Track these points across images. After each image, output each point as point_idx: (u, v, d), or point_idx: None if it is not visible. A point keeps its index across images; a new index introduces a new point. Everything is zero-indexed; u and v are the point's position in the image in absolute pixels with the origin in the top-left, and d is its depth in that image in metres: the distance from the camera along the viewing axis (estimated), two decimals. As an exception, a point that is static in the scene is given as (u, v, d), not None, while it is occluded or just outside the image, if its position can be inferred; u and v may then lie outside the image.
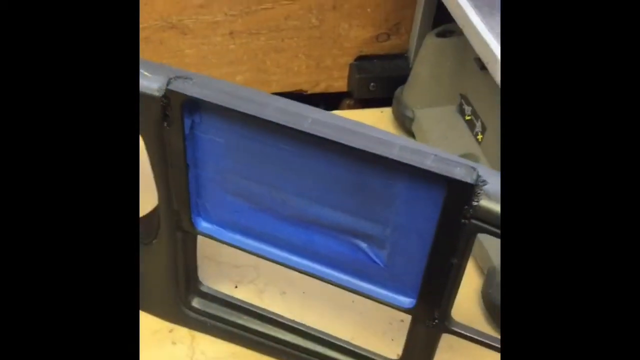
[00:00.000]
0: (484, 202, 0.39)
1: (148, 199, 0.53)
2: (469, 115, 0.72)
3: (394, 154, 0.40)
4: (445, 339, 0.58)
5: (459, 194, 0.39)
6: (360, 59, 0.86)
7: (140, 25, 0.76)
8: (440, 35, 0.75)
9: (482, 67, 0.67)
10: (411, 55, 0.84)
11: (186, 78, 0.44)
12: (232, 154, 0.46)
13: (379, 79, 0.85)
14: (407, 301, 0.48)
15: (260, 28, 0.80)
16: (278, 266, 0.65)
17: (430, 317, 0.47)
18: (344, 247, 0.48)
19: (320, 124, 0.41)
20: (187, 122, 0.45)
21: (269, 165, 0.45)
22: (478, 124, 0.70)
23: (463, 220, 0.40)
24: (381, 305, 0.62)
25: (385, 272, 0.47)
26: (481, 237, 0.63)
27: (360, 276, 0.49)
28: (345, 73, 0.86)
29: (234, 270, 0.64)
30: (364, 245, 0.47)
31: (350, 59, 0.85)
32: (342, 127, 0.41)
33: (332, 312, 0.61)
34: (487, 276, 0.61)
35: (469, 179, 0.39)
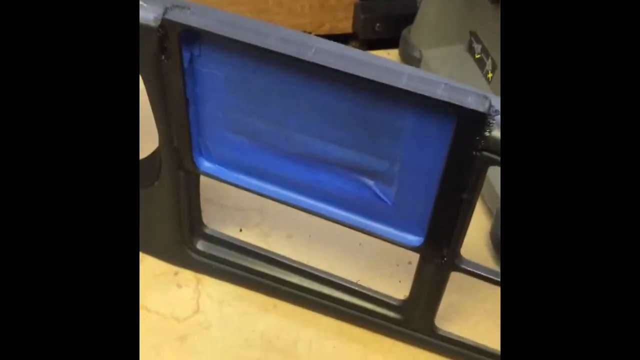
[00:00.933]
0: (496, 133, 0.38)
1: (149, 142, 0.52)
2: (478, 54, 0.70)
3: (402, 82, 0.38)
4: (454, 281, 0.57)
5: (470, 124, 0.38)
6: (366, -2, 0.83)
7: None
8: (449, -30, 0.72)
9: (494, 0, 0.65)
10: (418, -7, 0.81)
11: (184, 7, 0.42)
12: (233, 89, 0.44)
13: (384, 19, 0.83)
14: (415, 239, 0.47)
15: (261, -35, 0.77)
16: (283, 210, 0.63)
17: (439, 255, 0.46)
18: (351, 185, 0.46)
19: (325, 53, 0.39)
20: (186, 55, 0.43)
21: (271, 99, 0.44)
22: (488, 62, 0.68)
23: (474, 152, 0.39)
24: (388, 248, 0.61)
25: (392, 210, 0.46)
26: (490, 177, 0.62)
27: (368, 215, 0.47)
28: (350, 13, 0.84)
29: (239, 214, 0.63)
30: (370, 182, 0.45)
31: (355, -1, 0.83)
32: (348, 56, 0.39)
33: (339, 254, 0.60)
34: (495, 217, 0.60)
35: (481, 107, 0.37)
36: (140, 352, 0.52)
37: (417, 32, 0.76)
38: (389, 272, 0.59)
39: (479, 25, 0.70)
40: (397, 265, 0.60)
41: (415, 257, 0.49)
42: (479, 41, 0.70)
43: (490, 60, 0.68)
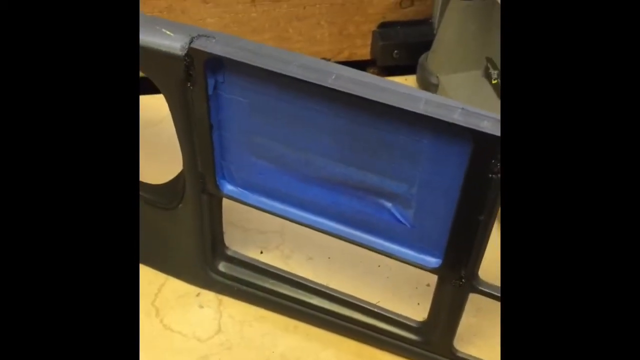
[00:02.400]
0: (512, 156, 0.39)
1: (174, 165, 0.53)
2: (495, 79, 0.71)
3: (419, 108, 0.39)
4: (473, 303, 0.57)
5: (486, 147, 0.39)
6: (384, 25, 0.84)
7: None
8: (466, -2, 0.74)
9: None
10: (435, 20, 0.83)
11: (209, 37, 0.44)
12: (255, 114, 0.46)
13: (402, 46, 0.84)
14: (433, 261, 0.47)
15: (283, -5, 0.79)
16: (304, 232, 0.65)
17: (457, 276, 0.47)
18: (370, 208, 0.47)
19: (344, 79, 0.41)
20: (211, 82, 0.45)
21: (292, 124, 0.45)
22: (505, 88, 0.69)
23: (490, 175, 0.40)
24: (407, 270, 0.61)
25: (411, 232, 0.47)
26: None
27: (386, 237, 0.48)
28: (368, 40, 0.85)
29: (260, 236, 0.64)
30: (389, 204, 0.46)
31: (373, 26, 0.84)
32: (367, 83, 0.41)
33: (358, 276, 0.61)
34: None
35: (496, 131, 0.38)
36: (163, 371, 0.53)
37: (434, 59, 0.78)
38: (407, 294, 0.60)
39: (495, 51, 0.71)
40: (416, 287, 0.61)
41: (433, 280, 0.50)
42: (495, 67, 0.71)
43: (506, 85, 0.69)
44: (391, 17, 0.84)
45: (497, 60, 0.71)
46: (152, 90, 0.78)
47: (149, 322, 0.57)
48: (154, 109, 0.77)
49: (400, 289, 0.60)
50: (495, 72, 0.71)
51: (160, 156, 0.58)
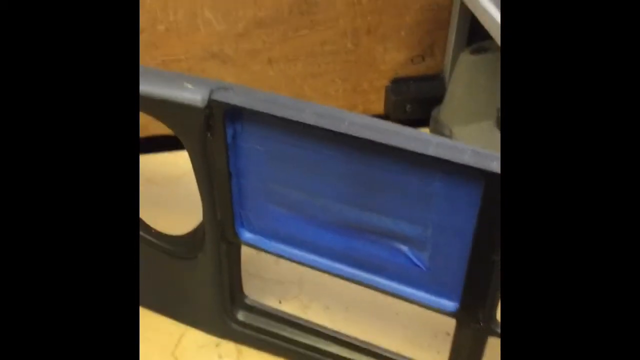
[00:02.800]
0: (523, 195, 0.40)
1: (193, 216, 0.55)
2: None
3: (430, 150, 0.40)
4: (493, 348, 0.57)
5: (496, 187, 0.40)
6: (396, 81, 0.87)
7: (183, 57, 0.80)
8: (475, 52, 0.76)
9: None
10: (446, 75, 0.85)
11: (227, 88, 0.46)
12: (272, 162, 0.48)
13: (415, 101, 0.87)
14: (450, 305, 0.48)
15: (298, 54, 0.82)
16: (322, 281, 0.65)
17: (475, 319, 0.47)
18: (385, 252, 0.48)
19: (357, 125, 0.42)
20: (230, 132, 0.47)
21: (308, 171, 0.47)
22: (516, 137, 0.70)
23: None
24: (426, 318, 0.61)
25: (427, 276, 0.47)
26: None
27: (403, 280, 0.49)
28: (382, 96, 0.88)
29: (278, 287, 0.65)
30: (405, 248, 0.47)
31: (386, 82, 0.87)
32: (379, 127, 0.42)
33: (376, 325, 0.61)
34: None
35: (506, 171, 0.39)
36: (183, 422, 0.53)
37: (447, 111, 0.79)
38: (427, 343, 0.60)
39: (506, 101, 0.73)
40: (436, 336, 0.60)
41: (452, 328, 0.50)
42: (506, 117, 0.72)
43: (518, 134, 0.70)
44: (403, 72, 0.87)
45: (508, 111, 0.72)
46: (173, 147, 0.81)
47: (169, 372, 0.57)
48: (174, 165, 0.80)
49: (419, 337, 0.60)
50: (507, 122, 0.72)
51: (180, 210, 0.60)
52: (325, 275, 0.66)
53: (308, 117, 0.43)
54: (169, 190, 0.75)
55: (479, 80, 0.76)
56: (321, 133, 0.43)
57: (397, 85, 0.87)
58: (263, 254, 0.68)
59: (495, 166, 0.39)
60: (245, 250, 0.57)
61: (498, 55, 0.74)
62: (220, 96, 0.45)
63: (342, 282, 0.64)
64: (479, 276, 0.44)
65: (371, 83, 0.87)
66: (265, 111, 0.44)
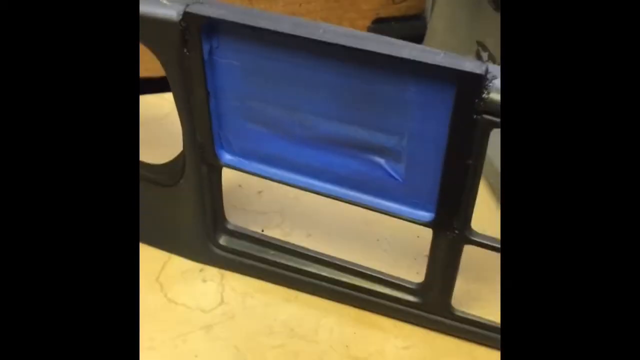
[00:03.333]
0: (494, 95, 0.40)
1: (175, 148, 0.55)
2: (486, 61, 0.73)
3: (404, 53, 0.41)
4: (472, 270, 0.58)
5: (469, 87, 0.40)
6: (378, 21, 0.87)
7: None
8: (454, -13, 0.76)
9: (496, 7, 0.68)
10: (427, 15, 0.85)
11: (202, 3, 0.46)
12: (249, 77, 0.48)
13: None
14: (426, 215, 0.49)
15: (278, -7, 0.82)
16: (304, 211, 0.66)
17: (451, 228, 0.48)
18: (363, 166, 0.49)
19: (333, 32, 0.43)
20: (206, 47, 0.47)
21: (285, 84, 0.47)
22: (495, 68, 0.71)
23: (475, 116, 0.41)
24: (406, 243, 0.63)
25: (404, 187, 0.48)
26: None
27: (380, 194, 0.50)
28: (363, 36, 0.88)
29: (260, 217, 0.66)
30: (381, 160, 0.48)
31: (367, 22, 0.87)
32: (354, 35, 0.43)
33: (357, 250, 0.62)
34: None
35: (478, 70, 0.40)
36: (168, 340, 0.54)
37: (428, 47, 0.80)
38: (406, 265, 0.61)
39: (485, 34, 0.73)
40: (415, 259, 0.61)
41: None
42: (485, 49, 0.73)
43: (497, 65, 0.71)
44: (385, 13, 0.87)
45: (487, 42, 0.73)
46: (154, 89, 0.81)
47: (153, 296, 0.58)
48: (157, 107, 0.80)
49: (399, 260, 0.61)
50: (486, 54, 0.73)
51: (163, 147, 0.60)
52: (308, 205, 0.67)
53: (284, 27, 0.43)
54: (151, 130, 0.76)
55: (459, 15, 0.76)
56: (297, 42, 0.44)
57: (379, 26, 0.87)
58: (246, 187, 0.69)
59: (467, 65, 0.40)
60: (227, 183, 0.58)
61: (477, -12, 0.74)
62: (195, 9, 0.45)
63: (324, 211, 0.66)
64: (453, 182, 0.45)
65: (352, 23, 0.86)
66: (241, 22, 0.44)
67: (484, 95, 0.40)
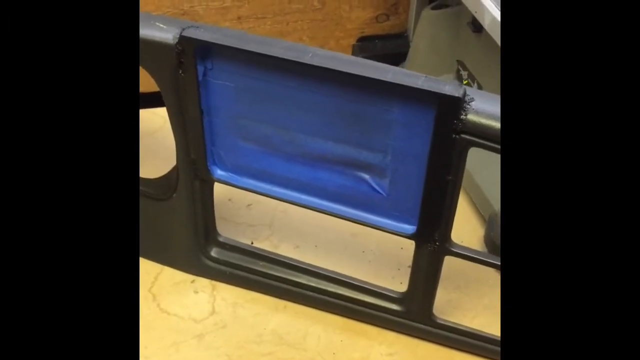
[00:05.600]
0: (472, 117, 0.43)
1: (167, 169, 0.58)
2: (465, 80, 0.76)
3: (388, 77, 0.44)
4: (452, 280, 0.61)
5: (448, 109, 0.43)
6: (362, 39, 0.90)
7: (154, 14, 0.82)
8: (436, 8, 0.80)
9: (475, 30, 0.72)
10: (410, 33, 0.89)
11: (198, 27, 0.49)
12: (242, 98, 0.50)
13: (380, 58, 0.87)
14: (409, 228, 0.51)
15: (266, 12, 0.85)
16: (292, 224, 0.69)
17: (432, 240, 0.50)
18: (349, 181, 0.51)
19: (320, 57, 0.46)
20: (200, 69, 0.49)
21: (275, 104, 0.50)
22: (474, 87, 0.74)
23: (454, 136, 0.44)
24: (390, 255, 0.65)
25: (387, 202, 0.51)
26: (481, 184, 0.67)
27: (365, 208, 0.52)
28: (349, 54, 0.91)
29: (250, 229, 0.68)
30: (366, 176, 0.51)
31: (352, 40, 0.90)
32: (340, 58, 0.45)
33: (343, 262, 0.64)
34: (488, 221, 0.65)
35: (456, 93, 0.43)
36: (161, 349, 0.56)
37: (410, 66, 0.83)
38: (390, 276, 0.63)
39: (465, 54, 0.76)
40: (399, 269, 0.64)
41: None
42: (465, 68, 0.76)
43: (476, 84, 0.74)
44: (369, 31, 0.90)
45: (467, 62, 0.76)
46: (145, 104, 0.83)
47: (147, 306, 0.60)
48: (149, 121, 0.82)
49: (384, 271, 0.64)
50: (465, 72, 0.76)
51: (155, 161, 0.62)
52: (296, 218, 0.70)
53: (275, 50, 0.46)
54: (144, 144, 0.78)
55: (440, 34, 0.80)
56: (287, 65, 0.46)
57: (364, 44, 0.90)
58: (235, 201, 0.71)
59: (447, 89, 0.43)
60: (218, 197, 0.60)
61: (458, 10, 0.77)
62: (190, 33, 0.48)
63: (311, 223, 0.68)
64: (434, 198, 0.48)
65: (338, 41, 0.89)
66: (234, 46, 0.47)
67: (462, 117, 0.43)
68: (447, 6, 0.80)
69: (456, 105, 0.43)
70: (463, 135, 0.44)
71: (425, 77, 0.44)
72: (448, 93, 0.43)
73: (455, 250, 0.51)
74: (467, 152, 0.45)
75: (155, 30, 0.49)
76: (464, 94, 0.43)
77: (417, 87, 0.43)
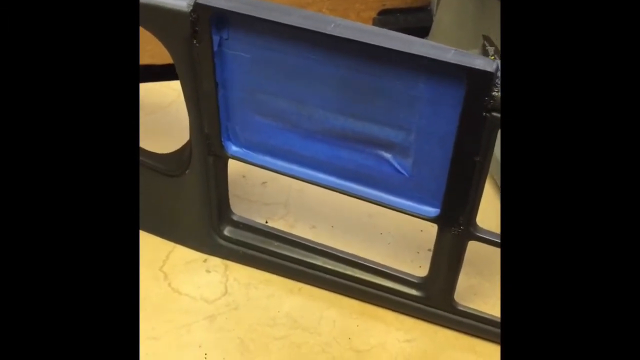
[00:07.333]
0: (505, 93, 0.40)
1: (179, 144, 0.55)
2: (492, 56, 0.73)
3: (414, 49, 0.41)
4: (474, 265, 0.59)
5: (479, 85, 0.40)
6: (384, 12, 0.87)
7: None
8: (462, -20, 0.76)
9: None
10: (434, 6, 0.85)
11: (213, -6, 0.46)
12: (258, 70, 0.48)
13: (402, 32, 0.86)
14: (432, 210, 0.49)
15: (285, -17, 0.81)
16: (308, 203, 0.66)
17: (456, 224, 0.48)
18: (370, 160, 0.49)
19: (343, 27, 0.43)
20: (216, 38, 0.47)
21: (294, 77, 0.47)
22: (501, 63, 0.71)
23: (484, 114, 0.41)
24: (409, 237, 0.63)
25: (410, 183, 0.49)
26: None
27: (386, 189, 0.50)
28: (369, 28, 0.88)
29: (264, 208, 0.66)
30: (388, 155, 0.48)
31: (373, 14, 0.87)
32: (364, 29, 0.43)
33: (361, 243, 0.62)
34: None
35: (488, 68, 0.40)
36: (172, 330, 0.54)
37: (433, 40, 0.79)
38: (409, 258, 0.61)
39: (491, 27, 0.73)
40: (418, 252, 0.62)
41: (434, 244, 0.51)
42: (491, 43, 0.73)
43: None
44: (391, 4, 0.87)
45: (493, 36, 0.73)
46: (159, 77, 0.81)
47: (157, 285, 0.58)
48: (160, 95, 0.80)
49: (402, 253, 0.62)
50: (492, 48, 0.73)
51: (168, 135, 0.60)
52: (312, 197, 0.67)
53: (294, 20, 0.43)
54: (156, 118, 0.76)
55: (465, 7, 0.76)
56: (307, 36, 0.44)
57: (385, 17, 0.87)
58: (250, 178, 0.69)
59: (478, 63, 0.40)
60: (232, 173, 0.58)
61: (485, -18, 0.74)
62: (206, 0, 0.45)
63: (328, 203, 0.66)
64: (460, 179, 0.45)
65: (358, 14, 0.86)
66: (251, 14, 0.44)
67: (494, 93, 0.40)
68: (473, -22, 0.76)
69: (488, 80, 0.40)
70: (494, 114, 0.41)
71: (455, 50, 0.41)
72: (480, 67, 0.40)
73: (480, 235, 0.48)
74: (497, 132, 0.42)
75: (169, -3, 0.46)
76: (497, 69, 0.40)
77: (447, 60, 0.40)
